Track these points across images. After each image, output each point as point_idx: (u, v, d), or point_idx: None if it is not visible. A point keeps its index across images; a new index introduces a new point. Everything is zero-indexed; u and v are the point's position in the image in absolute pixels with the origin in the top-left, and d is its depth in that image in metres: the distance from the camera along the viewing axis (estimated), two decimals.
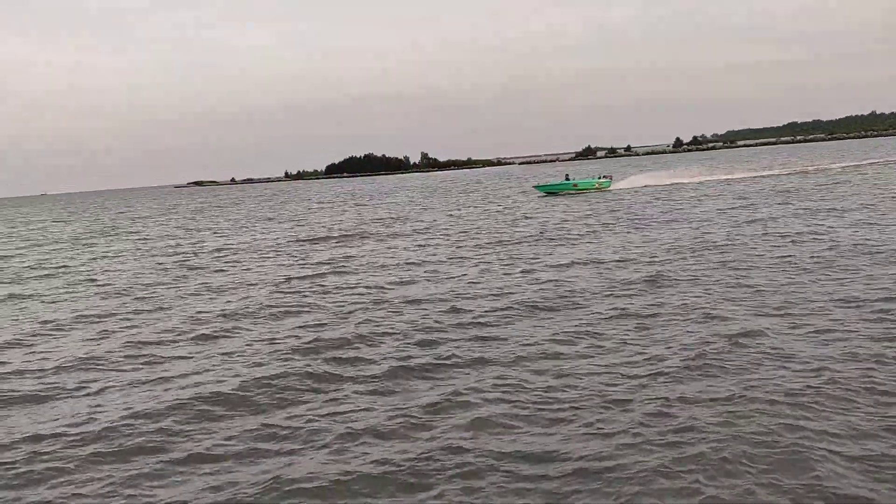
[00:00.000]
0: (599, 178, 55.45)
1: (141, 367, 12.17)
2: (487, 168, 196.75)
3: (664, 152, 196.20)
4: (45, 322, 16.65)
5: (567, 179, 54.30)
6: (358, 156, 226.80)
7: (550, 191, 53.95)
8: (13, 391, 11.14)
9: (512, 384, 9.82)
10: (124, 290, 20.98)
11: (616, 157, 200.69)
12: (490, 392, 9.51)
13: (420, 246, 26.85)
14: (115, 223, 62.38)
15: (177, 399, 10.07)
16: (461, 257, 22.97)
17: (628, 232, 26.37)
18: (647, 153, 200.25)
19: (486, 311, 14.54)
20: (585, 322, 13.10)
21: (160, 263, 27.45)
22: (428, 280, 19.11)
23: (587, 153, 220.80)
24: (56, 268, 28.68)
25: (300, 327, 14.28)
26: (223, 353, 12.60)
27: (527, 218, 36.18)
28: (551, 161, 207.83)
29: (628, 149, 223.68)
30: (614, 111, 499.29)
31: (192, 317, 16.12)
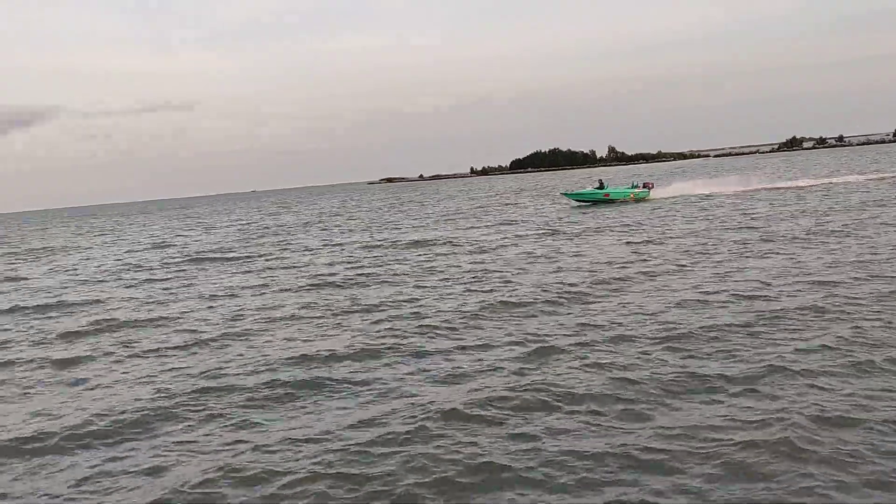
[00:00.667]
0: (633, 186, 49.14)
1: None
2: (680, 161, 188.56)
3: (882, 142, 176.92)
4: None
5: (601, 187, 48.35)
6: (543, 150, 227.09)
7: (580, 199, 48.26)
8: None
9: None
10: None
11: (825, 147, 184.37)
12: None
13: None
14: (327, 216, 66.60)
15: None
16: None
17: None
18: (862, 143, 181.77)
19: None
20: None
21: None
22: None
23: (791, 144, 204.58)
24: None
25: None
26: None
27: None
28: (750, 153, 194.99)
29: (840, 139, 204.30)
30: (824, 97, 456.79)
31: None
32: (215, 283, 22.28)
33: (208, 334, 14.46)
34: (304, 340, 13.29)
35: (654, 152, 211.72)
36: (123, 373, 12.06)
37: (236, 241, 40.61)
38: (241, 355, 12.54)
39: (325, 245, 33.00)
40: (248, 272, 24.59)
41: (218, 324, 15.51)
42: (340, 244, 32.87)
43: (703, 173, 79.27)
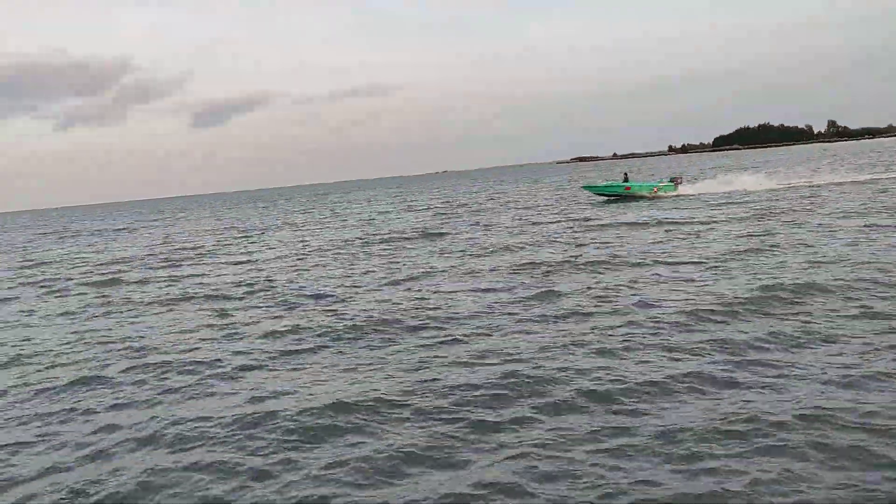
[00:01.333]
0: (660, 181, 43.45)
1: None
2: None
3: None
4: None
5: (626, 180, 43.06)
6: (751, 126, 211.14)
7: (601, 192, 43.87)
8: None
9: None
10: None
11: None
12: None
13: None
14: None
15: None
16: None
17: None
18: None
19: None
20: None
21: None
22: None
23: None
24: None
25: None
26: None
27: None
28: None
29: None
30: None
31: None
32: None
33: None
34: None
35: (884, 126, 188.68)
36: None
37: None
38: None
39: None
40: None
41: None
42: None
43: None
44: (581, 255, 19.51)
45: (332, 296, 16.47)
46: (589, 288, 14.76)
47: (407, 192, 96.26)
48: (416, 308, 14.05)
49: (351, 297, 16.07)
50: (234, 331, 13.50)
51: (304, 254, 26.67)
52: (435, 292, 15.76)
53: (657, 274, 15.76)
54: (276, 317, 14.58)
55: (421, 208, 51.94)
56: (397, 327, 12.58)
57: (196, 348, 12.35)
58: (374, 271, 20.01)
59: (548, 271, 17.38)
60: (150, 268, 26.47)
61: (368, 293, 16.45)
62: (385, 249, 25.53)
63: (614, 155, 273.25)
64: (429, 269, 19.35)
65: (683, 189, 42.05)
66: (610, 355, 9.84)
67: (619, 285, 14.77)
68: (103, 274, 25.30)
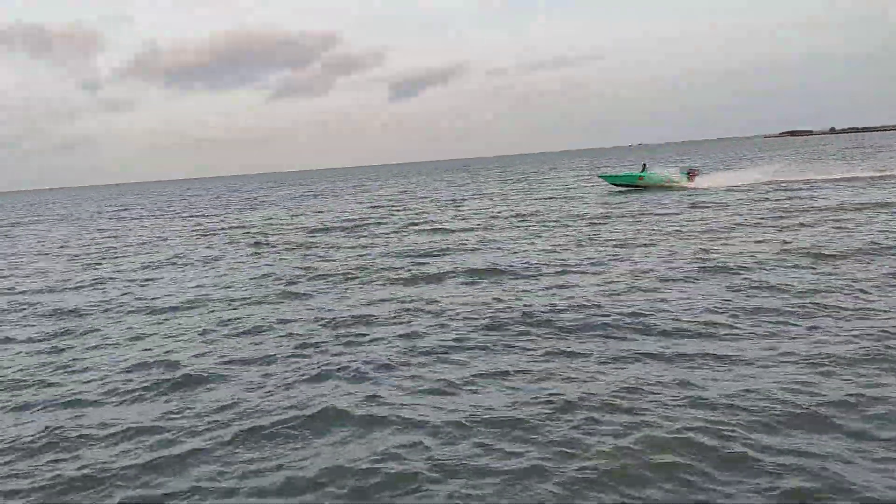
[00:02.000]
0: (678, 172, 43.45)
1: None
2: None
3: None
4: None
5: (643, 170, 43.54)
6: None
7: (616, 182, 44.58)
8: None
9: None
10: None
11: None
12: None
13: None
14: None
15: None
16: None
17: None
18: None
19: None
20: None
21: None
22: None
23: None
24: None
25: None
26: None
27: None
28: None
29: None
30: None
31: None
32: None
33: None
34: None
35: None
36: None
37: None
38: None
39: None
40: None
41: None
42: None
43: None
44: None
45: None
46: None
47: (594, 167, 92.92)
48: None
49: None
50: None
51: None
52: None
53: None
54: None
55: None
56: None
57: None
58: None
59: None
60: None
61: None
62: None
63: (831, 129, 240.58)
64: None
65: (700, 181, 41.74)
66: None
67: None
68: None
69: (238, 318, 14.08)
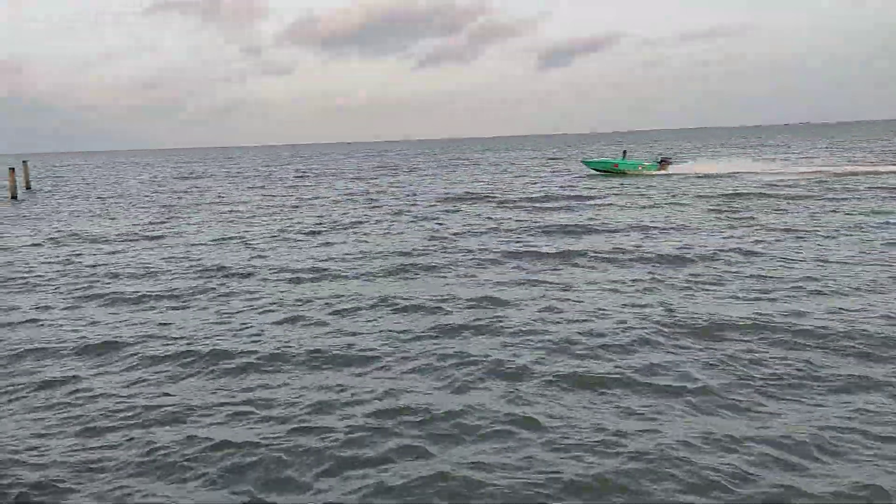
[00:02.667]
0: (649, 161, 49.21)
1: None
2: None
3: None
4: None
5: (624, 157, 50.65)
6: None
7: (595, 167, 49.66)
8: None
9: None
10: None
11: None
12: None
13: None
14: None
15: None
16: None
17: None
18: None
19: None
20: None
21: None
22: None
23: None
24: None
25: None
26: None
27: None
28: None
29: None
30: None
31: None
32: None
33: None
34: None
35: None
36: None
37: None
38: None
39: None
40: None
41: None
42: None
43: None
44: None
45: None
46: None
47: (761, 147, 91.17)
48: None
49: None
50: None
51: None
52: None
53: None
54: None
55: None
56: None
57: None
58: None
59: None
60: None
61: None
62: None
63: None
64: None
65: (674, 169, 46.95)
66: None
67: None
68: None
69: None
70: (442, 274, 16.13)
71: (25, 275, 18.23)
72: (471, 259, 17.74)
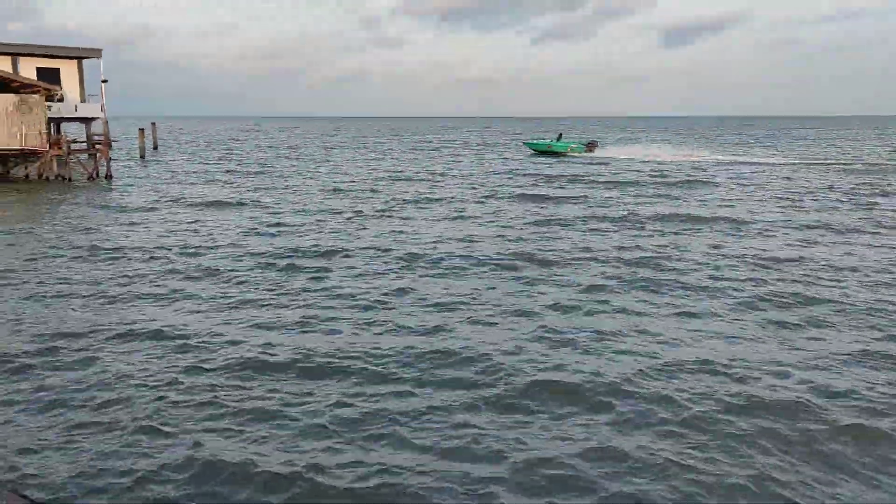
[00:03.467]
0: (575, 143, 56.40)
1: None
2: None
3: None
4: None
5: (559, 139, 57.71)
6: None
7: (533, 148, 58.01)
8: None
9: None
10: None
11: None
12: None
13: None
14: None
15: None
16: None
17: None
18: None
19: None
20: None
21: None
22: None
23: None
24: None
25: None
26: None
27: None
28: None
29: None
30: None
31: None
32: None
33: None
34: None
35: None
36: None
37: None
38: None
39: None
40: None
41: None
42: None
43: None
44: None
45: None
46: None
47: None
48: None
49: None
50: None
51: None
52: None
53: None
54: None
55: None
56: None
57: None
58: None
59: None
60: None
61: None
62: None
63: None
64: None
65: (599, 153, 54.84)
66: None
67: None
68: None
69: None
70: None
71: (135, 240, 20.14)
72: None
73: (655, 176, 37.80)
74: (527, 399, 8.74)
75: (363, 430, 7.85)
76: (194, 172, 40.59)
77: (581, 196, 29.50)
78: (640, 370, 9.59)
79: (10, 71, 35.94)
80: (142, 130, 54.56)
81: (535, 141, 60.98)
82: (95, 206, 25.68)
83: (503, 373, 9.49)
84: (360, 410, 8.29)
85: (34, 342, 10.57)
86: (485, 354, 10.15)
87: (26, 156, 34.07)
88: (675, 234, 20.56)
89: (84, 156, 37.17)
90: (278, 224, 21.83)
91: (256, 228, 21.04)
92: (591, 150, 54.62)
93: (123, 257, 16.96)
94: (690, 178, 36.38)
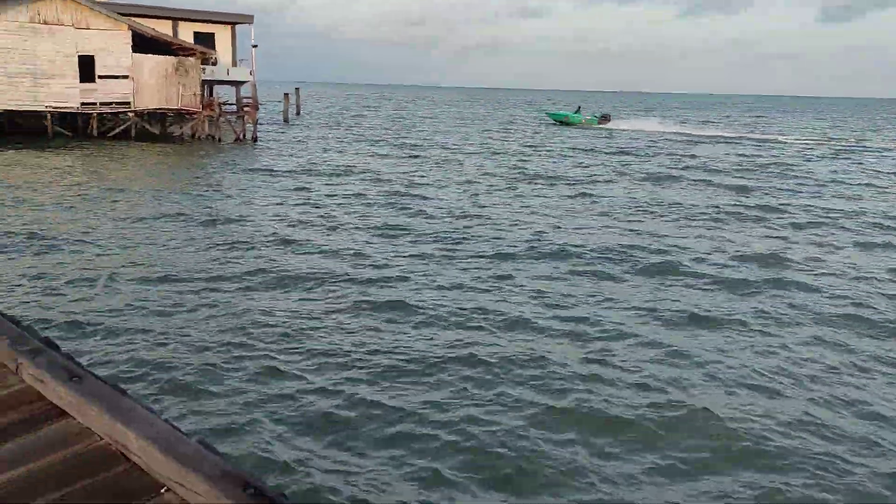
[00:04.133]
0: (593, 115, 62.35)
1: None
2: None
3: None
4: None
5: (577, 111, 61.78)
6: None
7: (553, 117, 62.44)
8: None
9: None
10: None
11: None
12: None
13: None
14: None
15: None
16: None
17: None
18: None
19: None
20: None
21: None
22: None
23: None
24: None
25: None
26: None
27: None
28: None
29: None
30: None
31: None
32: None
33: None
34: None
35: None
36: None
37: None
38: None
39: None
40: None
41: None
42: None
43: None
44: None
45: None
46: None
47: None
48: None
49: None
50: None
51: None
52: None
53: None
54: None
55: None
56: None
57: None
58: None
59: None
60: None
61: None
62: None
63: None
64: None
65: (612, 124, 58.79)
66: None
67: None
68: None
69: None
70: None
71: (273, 198, 20.70)
72: None
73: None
74: None
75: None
76: (334, 138, 41.59)
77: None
78: None
79: (171, 35, 38.01)
80: (286, 95, 56.53)
81: (555, 111, 66.99)
82: (241, 167, 26.74)
83: None
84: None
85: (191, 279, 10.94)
86: None
87: (182, 116, 36.07)
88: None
89: (233, 118, 38.93)
90: (416, 196, 21.77)
91: (391, 199, 21.09)
92: (603, 123, 59.08)
93: (258, 215, 17.50)
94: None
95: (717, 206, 20.76)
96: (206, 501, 1.72)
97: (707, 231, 17.40)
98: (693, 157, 36.19)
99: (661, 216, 19.20)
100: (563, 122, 60.55)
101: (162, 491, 1.88)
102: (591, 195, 22.37)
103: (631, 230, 17.03)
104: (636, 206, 20.55)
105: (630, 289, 12.15)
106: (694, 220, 18.80)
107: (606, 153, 36.69)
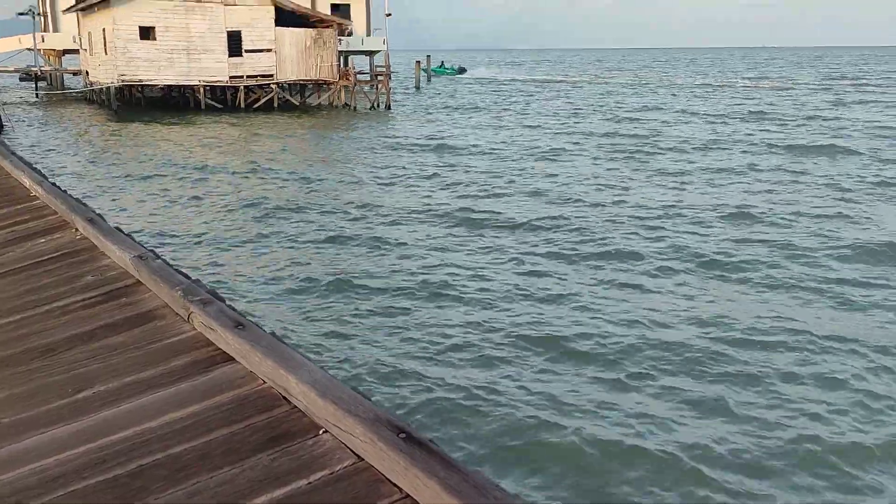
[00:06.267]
0: (453, 67, 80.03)
1: None
2: None
3: None
4: None
5: (441, 66, 79.45)
6: None
7: (434, 71, 75.44)
8: None
9: None
10: None
11: None
12: None
13: None
14: None
15: None
16: None
17: None
18: None
19: None
20: None
21: None
22: None
23: None
24: None
25: None
26: None
27: None
28: None
29: None
30: None
31: None
32: None
33: None
34: None
35: None
36: None
37: None
38: None
39: None
40: None
41: None
42: None
43: None
44: None
45: None
46: None
47: None
48: None
49: None
50: None
51: None
52: None
53: None
54: None
55: None
56: None
57: None
58: None
59: None
60: None
61: None
62: None
63: None
64: None
65: (469, 74, 78.55)
66: None
67: None
68: None
69: None
70: None
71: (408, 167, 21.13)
72: None
73: None
74: None
75: None
76: (466, 107, 41.57)
77: None
78: None
79: (310, 7, 39.30)
80: (418, 62, 57.27)
81: (436, 67, 79.01)
82: (377, 135, 27.46)
83: None
84: None
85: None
86: None
87: (319, 86, 37.40)
88: None
89: (367, 87, 39.88)
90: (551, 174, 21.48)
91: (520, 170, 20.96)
92: (461, 73, 77.90)
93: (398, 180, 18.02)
94: None
95: None
96: (361, 442, 1.81)
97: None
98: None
99: None
100: (435, 73, 75.70)
101: (320, 432, 2.00)
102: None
103: None
104: None
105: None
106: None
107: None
